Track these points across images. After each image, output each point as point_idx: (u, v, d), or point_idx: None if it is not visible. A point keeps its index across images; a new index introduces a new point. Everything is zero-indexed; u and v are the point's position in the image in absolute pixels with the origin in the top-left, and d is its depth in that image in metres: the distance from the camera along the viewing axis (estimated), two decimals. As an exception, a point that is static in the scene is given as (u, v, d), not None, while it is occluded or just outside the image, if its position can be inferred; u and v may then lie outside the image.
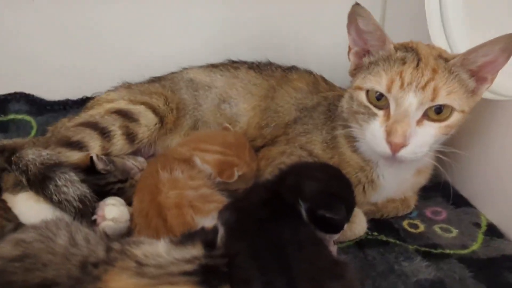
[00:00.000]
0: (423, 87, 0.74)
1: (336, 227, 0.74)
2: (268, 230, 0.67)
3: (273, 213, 0.70)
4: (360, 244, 0.85)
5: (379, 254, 0.82)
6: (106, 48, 1.29)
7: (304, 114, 1.01)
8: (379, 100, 0.78)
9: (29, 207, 0.83)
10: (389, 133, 0.75)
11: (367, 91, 0.80)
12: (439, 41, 0.98)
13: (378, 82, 0.77)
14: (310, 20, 1.36)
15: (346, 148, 0.90)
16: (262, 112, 1.06)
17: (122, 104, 0.99)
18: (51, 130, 1.08)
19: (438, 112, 0.76)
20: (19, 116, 1.25)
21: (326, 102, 1.01)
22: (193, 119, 1.07)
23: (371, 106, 0.79)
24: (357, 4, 0.78)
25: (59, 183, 0.80)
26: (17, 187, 0.86)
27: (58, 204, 0.79)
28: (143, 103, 0.99)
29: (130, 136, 0.93)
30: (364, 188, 0.90)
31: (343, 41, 1.38)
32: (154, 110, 0.99)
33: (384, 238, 0.87)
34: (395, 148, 0.75)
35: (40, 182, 0.81)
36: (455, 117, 0.77)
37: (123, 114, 0.95)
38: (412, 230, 0.92)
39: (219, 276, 0.61)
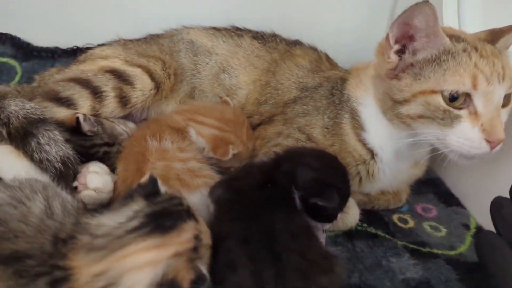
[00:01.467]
0: (503, 76, 0.71)
1: (329, 216, 0.72)
2: (261, 216, 0.65)
3: (268, 198, 0.68)
4: (349, 234, 0.83)
5: (368, 247, 0.81)
6: (103, -1, 1.21)
7: (304, 94, 0.96)
8: (454, 100, 0.72)
9: (8, 162, 0.77)
10: (489, 133, 0.70)
11: (442, 93, 0.72)
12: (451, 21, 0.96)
13: (460, 82, 0.70)
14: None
15: (351, 137, 0.86)
16: (262, 87, 1.01)
17: (118, 64, 0.93)
18: (38, 79, 1.02)
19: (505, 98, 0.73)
20: (3, 59, 1.18)
21: (328, 84, 0.95)
22: (190, 86, 1.02)
23: (452, 109, 0.72)
24: (427, 2, 0.69)
25: (42, 141, 0.75)
26: None
27: (39, 163, 0.75)
28: (139, 66, 0.93)
29: (123, 100, 0.88)
30: (361, 180, 0.87)
31: (350, 21, 1.34)
32: (151, 75, 0.93)
33: (374, 231, 0.86)
34: (497, 144, 0.71)
35: (21, 138, 0.76)
36: None
37: (118, 75, 0.89)
38: (402, 225, 0.90)
39: (173, 217, 0.56)
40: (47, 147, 0.75)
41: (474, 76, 0.70)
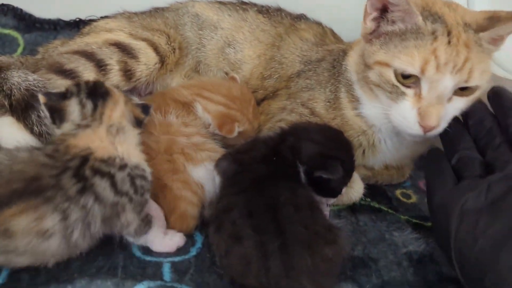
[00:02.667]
0: (460, 69, 0.70)
1: (334, 190, 0.73)
2: (266, 189, 0.65)
3: (273, 171, 0.68)
4: (353, 208, 0.84)
5: (371, 221, 0.81)
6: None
7: (308, 67, 0.96)
8: (407, 78, 0.73)
9: (11, 133, 0.77)
10: (423, 117, 0.71)
11: (396, 70, 0.73)
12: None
13: (410, 62, 0.71)
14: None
15: (349, 110, 0.86)
16: (266, 62, 1.00)
17: (122, 37, 0.92)
18: (42, 51, 1.01)
19: (463, 89, 0.73)
20: (5, 31, 1.16)
21: (331, 57, 0.95)
22: (195, 59, 1.01)
23: (400, 85, 0.73)
24: None
25: (42, 114, 0.75)
26: (2, 109, 0.80)
27: (38, 136, 0.75)
28: (144, 40, 0.92)
29: (127, 73, 0.87)
30: (364, 152, 0.87)
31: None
32: (156, 49, 0.92)
33: (377, 205, 0.86)
34: (429, 130, 0.72)
35: (22, 110, 0.76)
36: (482, 89, 0.74)
37: (122, 48, 0.88)
38: (405, 200, 0.91)
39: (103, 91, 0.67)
40: (47, 121, 0.75)
41: (425, 60, 0.70)
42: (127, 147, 0.64)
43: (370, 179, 0.91)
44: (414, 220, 0.83)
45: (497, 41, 0.75)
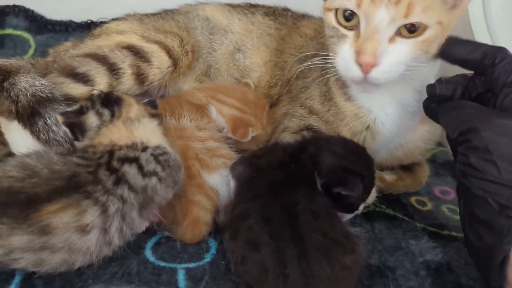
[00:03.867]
0: (396, 2, 0.67)
1: (351, 206, 0.71)
2: (283, 195, 0.64)
3: (290, 177, 0.67)
4: (368, 215, 0.82)
5: (387, 228, 0.80)
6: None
7: (304, 65, 0.93)
8: (349, 20, 0.71)
9: (23, 138, 0.76)
10: (358, 53, 0.69)
11: (336, 11, 0.72)
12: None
13: None
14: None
15: (339, 97, 0.84)
16: (272, 69, 0.99)
17: (134, 40, 0.91)
18: (52, 53, 1.00)
19: (411, 31, 0.69)
20: (17, 32, 1.17)
21: (323, 49, 0.89)
22: (206, 64, 1.00)
23: (340, 27, 0.72)
24: None
25: (49, 121, 0.74)
26: (11, 115, 0.79)
27: (45, 143, 0.74)
28: (157, 42, 0.91)
29: (140, 77, 0.87)
30: (365, 138, 0.84)
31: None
32: (168, 52, 0.91)
33: (392, 213, 0.85)
34: (366, 68, 0.69)
35: (28, 117, 0.75)
36: (431, 31, 0.69)
37: (135, 52, 0.88)
38: (420, 207, 0.90)
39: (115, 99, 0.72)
40: (54, 127, 0.74)
41: None
42: (143, 132, 0.68)
43: (385, 191, 0.88)
44: (430, 228, 0.82)
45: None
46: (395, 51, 0.69)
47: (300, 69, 0.88)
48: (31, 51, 1.16)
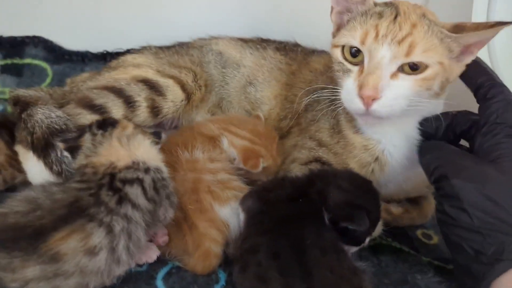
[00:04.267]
0: (399, 41, 0.70)
1: (358, 240, 0.72)
2: (292, 230, 0.66)
3: (298, 212, 0.69)
4: (374, 248, 0.83)
5: (393, 262, 0.81)
6: (133, 5, 1.23)
7: (313, 98, 0.94)
8: (355, 56, 0.75)
9: (38, 168, 0.79)
10: (360, 87, 0.72)
11: (343, 48, 0.77)
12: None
13: (352, 36, 0.74)
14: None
15: (348, 130, 0.87)
16: (282, 102, 1.01)
17: (150, 74, 0.94)
18: (69, 83, 1.04)
19: (413, 69, 0.72)
20: (35, 62, 1.21)
21: (332, 83, 0.91)
22: (218, 96, 1.03)
23: (346, 63, 0.76)
24: None
25: (61, 153, 0.76)
26: (28, 145, 0.81)
27: (58, 175, 0.76)
28: (171, 77, 0.94)
29: (154, 110, 0.90)
30: (373, 170, 0.86)
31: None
32: (182, 86, 0.94)
33: (398, 246, 0.86)
34: (367, 101, 0.72)
35: (42, 149, 0.77)
36: (431, 70, 0.72)
37: (151, 86, 0.91)
38: (426, 240, 0.91)
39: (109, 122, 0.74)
40: (66, 160, 0.76)
41: (366, 32, 0.73)
42: (143, 151, 0.71)
43: (391, 223, 0.89)
44: (436, 263, 0.83)
45: (465, 50, 0.74)
46: (396, 86, 0.72)
47: (308, 100, 0.91)
48: (48, 80, 1.19)
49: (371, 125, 0.82)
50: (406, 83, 0.72)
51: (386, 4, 0.77)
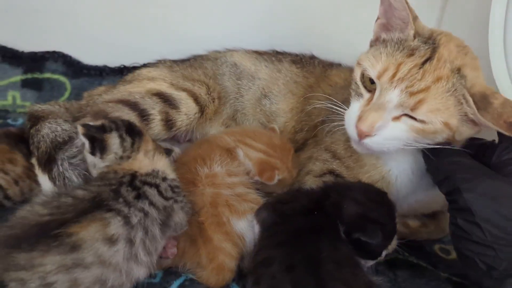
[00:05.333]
0: (412, 94, 0.68)
1: (373, 253, 0.71)
2: (307, 243, 0.65)
3: (313, 224, 0.68)
4: (391, 263, 0.82)
5: (410, 277, 0.80)
6: (150, 21, 1.25)
7: (332, 111, 0.96)
8: (372, 83, 0.74)
9: (48, 182, 0.80)
10: (359, 119, 0.72)
11: (364, 71, 0.75)
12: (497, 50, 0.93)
13: (373, 65, 0.72)
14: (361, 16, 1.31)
15: None
16: (298, 115, 1.02)
17: (164, 87, 0.95)
18: (86, 96, 1.05)
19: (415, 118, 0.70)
20: (55, 76, 1.24)
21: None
22: (233, 108, 1.04)
23: (361, 86, 0.75)
24: None
25: (61, 168, 0.78)
26: None
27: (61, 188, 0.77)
28: (185, 90, 0.95)
29: (168, 123, 0.91)
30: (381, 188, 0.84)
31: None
32: (196, 99, 0.95)
33: (415, 261, 0.85)
34: (361, 134, 0.72)
35: (45, 163, 0.79)
36: (431, 126, 0.69)
37: (165, 99, 0.92)
38: (444, 255, 0.89)
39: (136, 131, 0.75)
40: (67, 174, 0.78)
41: (385, 68, 0.71)
42: (163, 164, 0.74)
43: (408, 237, 0.87)
44: (455, 279, 0.81)
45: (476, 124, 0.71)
46: (393, 128, 0.71)
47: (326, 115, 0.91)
48: (66, 94, 1.22)
49: (361, 151, 0.81)
50: (405, 127, 0.71)
51: (428, 38, 0.73)
